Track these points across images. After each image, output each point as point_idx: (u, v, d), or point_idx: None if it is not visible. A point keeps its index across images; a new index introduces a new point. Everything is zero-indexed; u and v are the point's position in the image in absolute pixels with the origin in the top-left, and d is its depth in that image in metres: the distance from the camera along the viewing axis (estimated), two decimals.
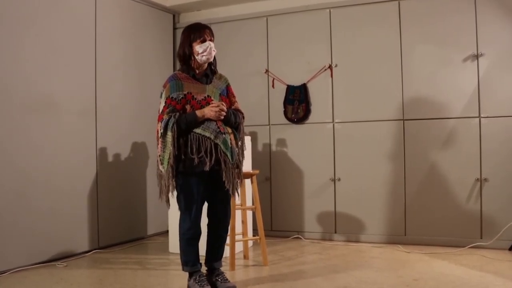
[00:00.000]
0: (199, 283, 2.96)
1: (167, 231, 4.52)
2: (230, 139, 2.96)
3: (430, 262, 3.70)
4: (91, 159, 4.32)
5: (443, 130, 4.28)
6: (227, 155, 2.91)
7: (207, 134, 2.88)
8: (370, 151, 4.51)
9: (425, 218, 4.32)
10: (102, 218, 4.40)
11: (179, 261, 3.10)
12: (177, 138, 2.85)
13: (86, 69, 4.29)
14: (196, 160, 2.85)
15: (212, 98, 2.96)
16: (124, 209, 4.67)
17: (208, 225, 3.10)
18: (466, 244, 4.13)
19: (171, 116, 2.85)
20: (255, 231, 4.31)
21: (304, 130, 4.79)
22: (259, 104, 4.96)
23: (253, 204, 3.89)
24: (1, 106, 3.57)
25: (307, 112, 4.75)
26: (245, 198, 3.91)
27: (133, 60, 4.85)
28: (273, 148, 4.93)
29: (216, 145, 2.88)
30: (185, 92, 2.92)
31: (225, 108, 2.93)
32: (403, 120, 4.41)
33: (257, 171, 3.84)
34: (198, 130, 2.88)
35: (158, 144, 2.91)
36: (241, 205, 3.89)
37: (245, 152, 3.16)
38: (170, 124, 2.83)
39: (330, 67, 4.68)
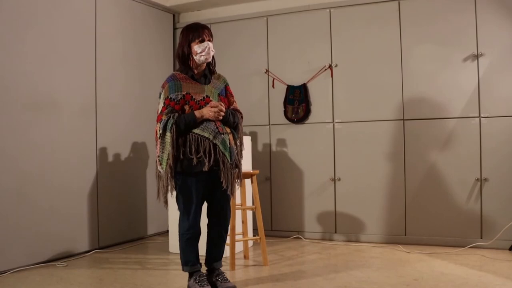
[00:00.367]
0: (199, 283, 2.96)
1: (167, 231, 4.52)
2: (229, 139, 2.96)
3: (430, 262, 3.70)
4: (91, 159, 4.33)
5: (443, 130, 4.28)
6: (225, 155, 2.92)
7: (206, 135, 2.88)
8: (370, 151, 4.51)
9: (425, 218, 4.32)
10: (102, 218, 4.41)
11: (179, 261, 3.10)
12: (176, 138, 2.85)
13: (86, 69, 4.29)
14: (195, 161, 2.86)
15: (211, 98, 2.97)
16: (124, 209, 4.67)
17: (208, 225, 3.11)
18: (466, 244, 4.13)
19: (170, 116, 2.86)
20: (255, 231, 4.32)
21: (304, 130, 4.80)
22: (259, 104, 4.96)
23: (253, 204, 3.89)
24: (1, 105, 3.57)
25: (307, 112, 4.76)
26: (245, 198, 3.91)
27: (133, 59, 4.86)
28: (273, 148, 4.93)
29: (214, 145, 2.89)
30: (184, 93, 2.92)
31: (223, 109, 2.93)
32: (403, 120, 4.41)
33: (257, 171, 3.84)
34: (196, 131, 2.88)
35: (157, 144, 2.91)
36: (241, 205, 3.89)
37: (244, 152, 3.18)
38: (169, 125, 2.84)
39: (330, 67, 4.69)
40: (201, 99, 2.94)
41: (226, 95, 3.09)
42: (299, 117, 4.78)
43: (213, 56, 3.06)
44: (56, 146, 3.97)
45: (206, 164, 2.86)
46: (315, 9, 4.75)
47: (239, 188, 3.22)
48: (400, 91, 4.42)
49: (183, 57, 3.00)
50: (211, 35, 3.03)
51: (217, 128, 2.90)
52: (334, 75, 4.68)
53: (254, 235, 4.24)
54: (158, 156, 2.91)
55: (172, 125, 2.83)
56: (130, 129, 4.75)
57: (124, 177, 4.69)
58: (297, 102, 4.78)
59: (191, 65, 3.01)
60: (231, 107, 3.10)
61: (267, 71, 4.95)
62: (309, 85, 4.77)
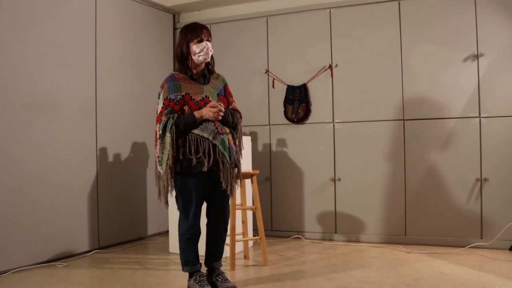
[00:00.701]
0: (199, 283, 2.96)
1: (167, 231, 4.52)
2: (228, 139, 2.97)
3: (430, 262, 3.70)
4: (91, 159, 4.33)
5: (443, 130, 4.28)
6: (225, 156, 2.92)
7: (205, 135, 2.88)
8: (370, 151, 4.51)
9: (425, 218, 4.32)
10: (103, 218, 4.41)
11: (179, 261, 3.10)
12: (175, 139, 2.85)
13: (86, 69, 4.30)
14: (194, 161, 2.86)
15: (210, 98, 2.97)
16: (125, 209, 4.67)
17: (207, 225, 3.11)
18: (466, 244, 4.13)
19: (170, 117, 2.86)
20: (255, 231, 4.32)
21: (304, 130, 4.80)
22: (259, 104, 4.96)
23: (253, 204, 3.89)
24: (2, 105, 3.57)
25: (307, 112, 4.76)
26: (245, 198, 3.91)
27: (134, 60, 4.86)
28: (273, 148, 4.93)
29: (214, 145, 2.89)
30: (183, 93, 2.92)
31: (223, 109, 2.94)
32: (403, 120, 4.41)
33: (257, 171, 3.84)
34: (196, 131, 2.88)
35: (156, 145, 2.92)
36: (241, 205, 3.89)
37: (244, 152, 3.18)
38: (169, 126, 2.84)
39: (330, 67, 4.69)
40: (200, 100, 2.94)
41: (225, 94, 3.09)
42: (299, 117, 4.78)
43: (212, 56, 3.06)
44: (56, 146, 3.97)
45: (206, 164, 2.86)
46: (315, 9, 4.75)
47: (239, 188, 3.21)
48: (400, 91, 4.42)
49: (181, 57, 3.00)
50: (209, 35, 3.03)
51: (216, 128, 2.90)
52: (334, 75, 4.68)
53: (254, 235, 4.24)
54: (157, 157, 2.91)
55: (171, 125, 2.84)
56: (130, 129, 4.75)
57: (124, 177, 4.69)
58: (297, 102, 4.79)
59: (190, 65, 3.01)
60: (230, 107, 3.10)
61: (267, 71, 4.95)
62: (309, 85, 4.77)
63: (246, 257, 3.98)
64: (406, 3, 4.40)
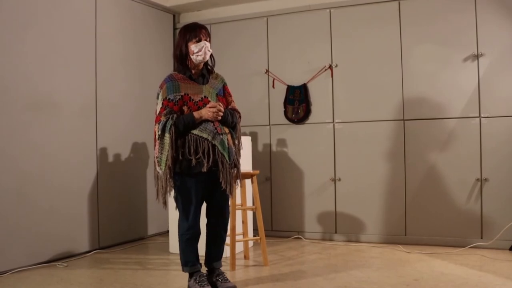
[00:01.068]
0: (199, 283, 2.96)
1: (168, 231, 4.52)
2: (228, 139, 2.97)
3: (430, 262, 3.70)
4: (92, 159, 4.33)
5: (443, 130, 4.28)
6: (224, 156, 2.92)
7: (205, 135, 2.88)
8: (371, 151, 4.51)
9: (425, 218, 4.32)
10: (103, 218, 4.41)
11: (179, 261, 3.10)
12: (175, 139, 2.85)
13: (86, 69, 4.30)
14: (193, 162, 2.86)
15: (209, 98, 2.96)
16: (125, 209, 4.67)
17: (207, 225, 3.11)
18: (466, 244, 4.14)
19: (169, 117, 2.86)
20: (255, 231, 4.32)
21: (304, 130, 4.80)
22: (259, 104, 4.96)
23: (253, 204, 3.89)
24: (2, 105, 3.57)
25: (307, 112, 4.76)
26: (246, 198, 3.91)
27: (134, 60, 4.86)
28: (274, 148, 4.93)
29: (213, 146, 2.89)
30: (182, 93, 2.92)
31: (222, 109, 2.93)
32: (403, 120, 4.41)
33: (257, 171, 3.84)
34: (195, 132, 2.88)
35: (155, 145, 2.92)
36: (242, 205, 3.89)
37: (242, 151, 3.19)
38: (168, 126, 2.84)
39: (330, 67, 4.69)
40: (199, 100, 2.94)
41: (224, 94, 3.09)
42: (299, 117, 4.78)
43: (212, 56, 3.07)
44: (56, 146, 3.97)
45: (205, 165, 2.86)
46: (315, 9, 4.75)
47: (238, 188, 3.21)
48: (400, 91, 4.42)
49: (180, 57, 3.00)
50: (208, 35, 3.03)
51: (215, 128, 2.90)
52: (334, 75, 4.68)
53: (254, 235, 4.24)
54: (156, 157, 2.91)
55: (171, 126, 2.83)
56: (130, 129, 4.75)
57: (124, 177, 4.69)
58: (297, 102, 4.79)
59: (188, 65, 3.01)
60: (229, 106, 3.10)
61: (267, 71, 4.95)
62: (309, 85, 4.77)
63: (246, 257, 3.98)
64: (406, 3, 4.40)
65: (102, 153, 4.44)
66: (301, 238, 4.73)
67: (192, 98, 2.93)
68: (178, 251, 3.08)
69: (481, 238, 4.14)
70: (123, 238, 4.64)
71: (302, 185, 4.79)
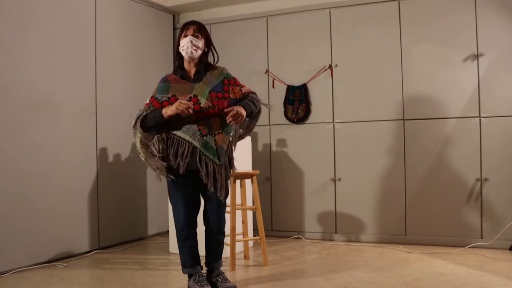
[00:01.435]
0: (198, 284, 2.96)
1: (168, 231, 4.52)
2: (216, 140, 2.89)
3: (430, 262, 3.71)
4: (92, 159, 4.33)
5: (443, 130, 4.28)
6: (208, 157, 2.88)
7: (187, 138, 2.87)
8: (370, 151, 4.51)
9: (426, 218, 4.32)
10: (103, 218, 4.41)
11: (179, 261, 3.10)
12: (160, 139, 2.91)
13: (86, 69, 4.30)
14: (174, 163, 2.87)
15: (198, 97, 2.88)
16: (125, 209, 4.67)
17: (204, 226, 3.10)
18: (466, 244, 4.14)
19: (143, 110, 2.93)
20: (255, 231, 4.32)
21: (304, 130, 4.80)
22: None
23: (253, 204, 3.89)
24: (2, 105, 3.57)
25: (307, 112, 4.76)
26: (246, 198, 3.91)
27: (133, 60, 4.86)
28: (273, 148, 4.93)
29: (194, 148, 2.86)
30: (170, 95, 2.92)
31: (191, 105, 2.81)
32: (403, 120, 4.41)
33: (257, 171, 3.84)
34: (178, 133, 2.88)
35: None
36: (242, 205, 3.89)
37: (242, 151, 3.13)
38: (139, 117, 2.91)
39: (330, 67, 4.69)
40: (186, 100, 2.89)
41: (223, 89, 2.96)
42: (299, 117, 4.78)
43: (212, 51, 3.03)
44: (56, 147, 3.97)
45: (181, 167, 2.85)
46: (315, 9, 4.75)
47: (233, 189, 3.14)
48: (400, 91, 4.42)
49: (177, 54, 3.01)
50: (200, 30, 2.96)
51: (199, 130, 2.87)
52: (334, 75, 4.68)
53: (254, 235, 4.24)
54: (136, 148, 2.99)
55: (139, 117, 2.90)
56: (130, 129, 4.66)
57: (124, 177, 4.69)
58: (297, 102, 4.79)
59: (183, 62, 3.01)
60: (243, 92, 3.00)
61: (267, 71, 4.95)
62: (309, 85, 4.77)
63: (246, 257, 3.98)
64: (406, 3, 4.40)
65: (102, 153, 4.44)
66: (301, 238, 4.73)
67: (179, 98, 2.90)
68: (178, 251, 3.08)
69: (481, 238, 4.14)
70: (123, 238, 4.64)
71: (302, 185, 4.79)
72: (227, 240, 3.58)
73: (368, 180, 4.52)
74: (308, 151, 4.77)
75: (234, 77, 3.05)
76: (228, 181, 3.03)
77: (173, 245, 4.21)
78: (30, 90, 3.78)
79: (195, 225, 3.01)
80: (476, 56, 4.16)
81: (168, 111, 2.83)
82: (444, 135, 4.27)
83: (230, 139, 3.02)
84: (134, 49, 4.87)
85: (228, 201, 3.33)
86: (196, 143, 2.85)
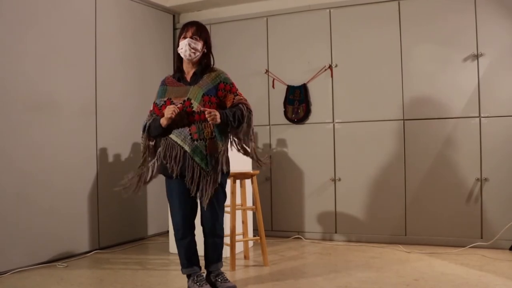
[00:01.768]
0: (197, 283, 2.96)
1: (168, 232, 4.52)
2: (206, 146, 2.85)
3: (430, 262, 3.70)
4: (92, 159, 4.33)
5: (443, 130, 4.28)
6: (196, 162, 2.86)
7: (179, 141, 2.87)
8: (370, 151, 4.51)
9: (426, 218, 4.32)
10: (103, 218, 4.41)
11: (179, 261, 3.10)
12: (153, 140, 3.00)
13: (86, 69, 4.30)
14: (168, 166, 2.89)
15: (192, 101, 2.87)
16: (125, 209, 4.67)
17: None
18: (466, 244, 4.14)
19: (148, 119, 2.98)
20: (255, 231, 4.32)
21: (304, 130, 4.80)
22: (259, 104, 4.96)
23: (253, 204, 3.89)
24: (1, 105, 3.57)
25: (307, 112, 4.76)
26: (246, 198, 3.91)
27: (133, 60, 4.86)
28: (274, 148, 4.93)
29: (185, 152, 2.86)
30: (165, 99, 2.93)
31: (175, 110, 2.80)
32: (403, 120, 4.41)
33: (257, 172, 3.84)
34: (172, 136, 2.89)
35: None
36: (242, 206, 3.89)
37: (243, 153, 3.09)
38: (145, 127, 2.98)
39: (330, 67, 4.69)
40: (179, 104, 2.88)
41: (217, 94, 2.92)
42: (299, 117, 4.78)
43: (208, 54, 3.01)
44: (57, 147, 3.97)
45: (174, 170, 2.87)
46: (315, 9, 4.75)
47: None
48: (400, 91, 4.42)
49: (177, 55, 3.01)
50: (198, 32, 2.93)
51: (190, 135, 2.86)
52: (334, 75, 4.68)
53: (254, 236, 4.24)
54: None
55: (145, 126, 2.97)
56: (130, 129, 4.75)
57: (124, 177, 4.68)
58: (297, 102, 4.79)
59: (182, 63, 3.00)
60: (235, 100, 2.94)
61: (267, 71, 4.95)
62: (309, 85, 4.77)
63: (246, 257, 3.98)
64: (406, 3, 4.40)
65: (102, 153, 4.44)
66: (301, 238, 4.73)
67: (173, 102, 2.90)
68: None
69: (481, 238, 4.14)
70: (123, 238, 4.64)
71: (302, 185, 4.79)
72: (227, 240, 3.59)
73: (368, 180, 4.52)
74: (308, 151, 4.77)
75: (232, 83, 2.99)
76: (213, 187, 2.90)
77: (173, 245, 4.20)
78: (30, 90, 3.78)
79: (191, 226, 3.01)
80: (476, 56, 4.16)
81: (163, 120, 2.86)
82: (444, 135, 4.27)
83: (222, 145, 2.93)
84: (134, 49, 4.87)
85: (228, 201, 3.33)
86: (186, 147, 2.86)
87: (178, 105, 2.86)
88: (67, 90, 4.09)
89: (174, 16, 5.45)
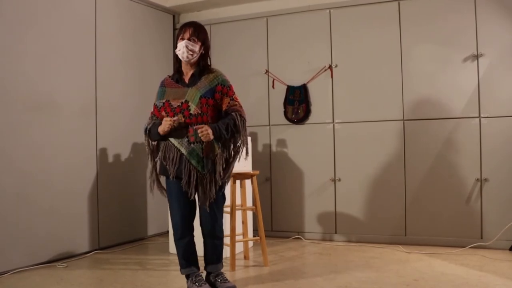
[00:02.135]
0: (196, 284, 2.96)
1: (168, 232, 4.52)
2: (203, 149, 2.85)
3: (430, 262, 3.70)
4: (92, 159, 4.32)
5: (443, 130, 4.28)
6: (193, 165, 2.86)
7: (176, 144, 2.89)
8: (370, 151, 4.51)
9: (426, 218, 4.32)
10: (103, 218, 4.41)
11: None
12: (152, 142, 3.04)
13: (86, 69, 4.29)
14: (168, 168, 2.91)
15: (189, 103, 2.86)
16: (125, 209, 4.67)
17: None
18: (466, 244, 4.13)
19: (148, 123, 3.01)
20: (255, 232, 4.32)
21: (304, 131, 4.80)
22: (259, 104, 4.96)
23: (253, 204, 3.89)
24: (1, 105, 3.57)
25: (307, 113, 4.76)
26: (245, 198, 3.91)
27: (133, 60, 4.86)
28: (273, 148, 4.93)
29: (182, 154, 2.87)
30: (164, 100, 2.93)
31: (170, 121, 2.83)
32: (403, 120, 4.41)
33: (257, 172, 3.84)
34: (170, 139, 2.91)
35: None
36: (242, 206, 3.89)
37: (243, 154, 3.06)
38: (145, 130, 3.02)
39: (330, 67, 4.69)
40: (177, 106, 2.87)
41: (214, 96, 2.89)
42: (299, 117, 4.78)
43: (206, 55, 3.00)
44: (56, 147, 3.97)
45: (172, 172, 2.88)
46: (315, 9, 4.75)
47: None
48: (400, 91, 4.42)
49: (176, 56, 3.00)
50: (196, 33, 2.92)
51: (187, 137, 2.86)
52: (334, 76, 4.68)
53: (254, 236, 4.24)
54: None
55: (145, 130, 3.02)
56: (130, 129, 4.75)
57: (124, 177, 4.69)
58: (297, 103, 4.79)
59: (181, 63, 3.00)
60: (230, 106, 2.91)
61: (267, 71, 4.95)
62: (309, 86, 4.77)
63: (246, 257, 3.98)
64: (406, 3, 4.40)
65: (102, 154, 4.44)
66: (301, 239, 4.73)
67: (171, 104, 2.90)
68: None
69: (481, 238, 4.14)
70: (123, 238, 4.64)
71: (302, 185, 4.79)
72: (227, 240, 3.59)
73: (368, 181, 4.52)
74: (308, 151, 4.77)
75: (229, 86, 2.95)
76: (214, 190, 2.90)
77: (173, 245, 4.19)
78: (30, 90, 3.78)
79: (190, 226, 3.01)
80: (476, 57, 4.16)
81: (160, 130, 2.89)
82: (444, 135, 4.27)
83: (219, 148, 2.91)
84: (134, 50, 4.87)
85: (228, 201, 3.32)
86: (183, 150, 2.87)
87: (175, 119, 2.85)
88: (67, 90, 4.09)
89: (174, 16, 5.45)
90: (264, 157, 4.94)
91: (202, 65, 2.98)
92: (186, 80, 2.97)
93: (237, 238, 3.80)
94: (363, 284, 3.16)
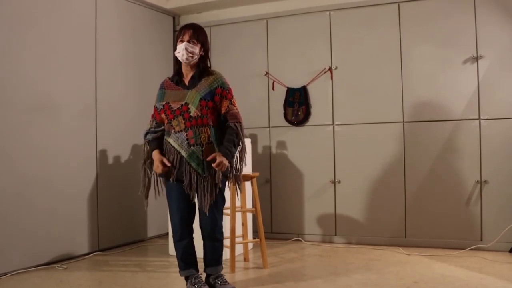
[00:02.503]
0: (195, 285, 2.96)
1: (167, 234, 4.52)
2: (203, 151, 2.85)
3: (430, 264, 3.70)
4: (91, 161, 4.32)
5: (443, 132, 4.28)
6: (193, 167, 2.86)
7: (176, 146, 2.89)
8: (370, 153, 4.51)
9: (425, 220, 4.32)
10: (102, 220, 4.40)
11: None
12: (160, 143, 3.02)
13: (86, 70, 4.29)
14: (166, 169, 2.92)
15: (189, 105, 2.87)
16: (124, 211, 4.67)
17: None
18: (466, 246, 4.13)
19: (148, 131, 3.03)
20: (255, 234, 4.31)
21: (304, 133, 4.79)
22: (259, 106, 4.96)
23: (253, 206, 3.89)
24: (1, 106, 3.57)
25: (307, 115, 4.76)
26: (245, 200, 3.90)
27: (133, 61, 4.86)
28: (273, 150, 4.93)
29: (182, 157, 2.87)
30: (164, 103, 2.94)
31: (161, 167, 2.91)
32: (403, 122, 4.41)
33: (257, 174, 3.83)
34: (171, 140, 2.91)
35: None
36: (241, 208, 3.89)
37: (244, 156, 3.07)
38: (145, 137, 3.06)
39: (330, 69, 4.69)
40: (177, 108, 2.88)
41: (213, 98, 2.90)
42: (299, 119, 4.78)
43: (206, 57, 3.00)
44: (56, 148, 3.97)
45: (172, 175, 2.89)
46: (315, 11, 4.75)
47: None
48: (400, 93, 4.42)
49: (176, 58, 3.00)
50: (195, 35, 2.92)
51: (187, 140, 2.87)
52: (334, 78, 4.68)
53: (254, 238, 4.23)
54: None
55: (147, 136, 3.05)
56: (130, 131, 4.75)
57: (124, 179, 4.68)
58: (297, 105, 4.79)
59: (181, 65, 3.00)
60: (228, 110, 2.93)
61: (267, 73, 4.96)
62: (309, 88, 4.77)
63: (246, 259, 3.97)
64: (406, 5, 4.40)
65: (102, 155, 4.43)
66: (301, 240, 4.72)
67: (171, 106, 2.91)
68: None
69: (481, 240, 4.13)
70: (122, 240, 4.64)
71: (302, 187, 4.79)
72: (226, 242, 3.58)
73: (368, 182, 4.52)
74: (308, 153, 4.77)
75: (228, 89, 2.97)
76: (213, 192, 2.90)
77: (173, 247, 4.18)
78: (30, 90, 3.78)
79: (189, 228, 3.00)
80: (476, 58, 4.16)
81: (154, 167, 2.98)
82: (443, 137, 4.27)
83: (219, 151, 2.90)
84: (134, 51, 4.87)
85: (227, 203, 3.32)
86: (183, 153, 2.87)
87: (175, 110, 2.89)
88: (67, 90, 4.09)
89: (174, 18, 5.45)
90: (264, 159, 4.94)
91: (202, 67, 2.98)
92: (186, 82, 2.97)
93: (237, 240, 3.79)
94: (363, 286, 3.16)
